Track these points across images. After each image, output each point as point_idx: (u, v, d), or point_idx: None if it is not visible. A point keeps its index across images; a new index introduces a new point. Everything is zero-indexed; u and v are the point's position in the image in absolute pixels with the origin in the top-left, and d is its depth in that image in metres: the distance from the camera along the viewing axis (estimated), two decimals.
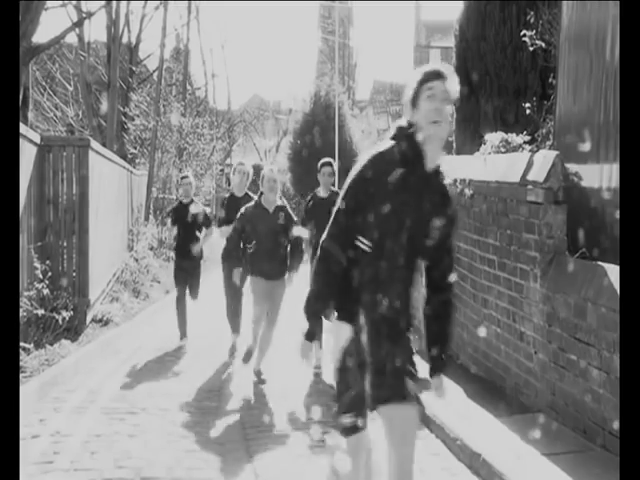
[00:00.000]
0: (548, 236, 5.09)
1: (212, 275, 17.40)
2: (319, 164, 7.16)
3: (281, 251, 6.39)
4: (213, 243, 9.06)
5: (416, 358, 2.84)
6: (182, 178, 8.83)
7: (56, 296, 7.62)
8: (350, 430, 2.93)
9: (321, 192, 7.08)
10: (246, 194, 7.43)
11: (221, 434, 5.01)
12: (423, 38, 47.71)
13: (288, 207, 6.60)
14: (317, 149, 25.16)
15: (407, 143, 2.71)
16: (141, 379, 6.50)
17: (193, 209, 8.24)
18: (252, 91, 78.43)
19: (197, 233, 8.23)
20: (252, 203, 6.48)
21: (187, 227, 8.20)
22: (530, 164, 5.34)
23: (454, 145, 11.24)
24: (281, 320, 6.49)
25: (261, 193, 6.38)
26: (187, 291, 8.22)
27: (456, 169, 7.11)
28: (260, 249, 6.29)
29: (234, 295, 7.36)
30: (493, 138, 6.92)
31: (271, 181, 6.30)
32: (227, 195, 7.74)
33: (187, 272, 8.20)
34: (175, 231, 8.40)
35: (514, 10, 9.85)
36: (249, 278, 6.55)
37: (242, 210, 6.43)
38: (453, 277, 2.88)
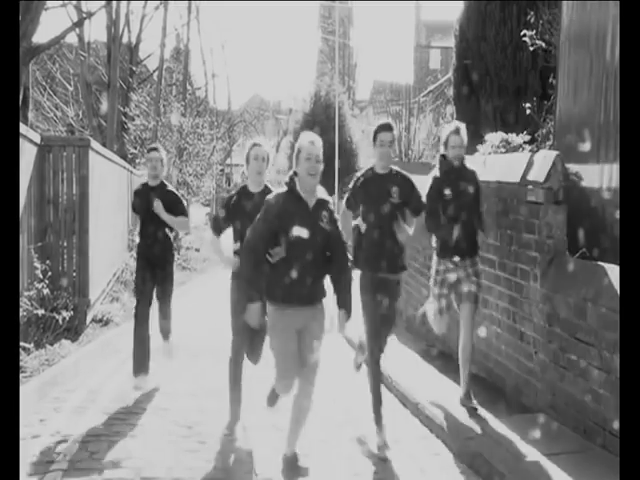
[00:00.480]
0: (548, 236, 5.09)
1: (214, 274, 17.42)
2: (374, 130, 5.03)
3: (322, 267, 4.17)
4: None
5: None
6: (149, 151, 6.34)
7: (56, 296, 7.62)
8: None
9: (378, 167, 5.04)
10: (266, 188, 5.05)
11: (222, 434, 5.01)
12: (423, 38, 47.70)
13: (330, 201, 4.27)
14: None
15: None
16: None
17: (161, 196, 6.12)
18: (252, 91, 78.68)
19: (167, 230, 6.24)
20: (281, 190, 4.20)
21: (154, 218, 6.10)
22: (530, 164, 5.33)
23: None
24: None
25: (292, 176, 4.16)
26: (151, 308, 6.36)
27: None
28: (291, 262, 4.04)
29: (244, 340, 5.06)
30: (493, 138, 6.93)
31: (313, 159, 4.07)
32: (234, 191, 5.29)
33: (153, 281, 6.22)
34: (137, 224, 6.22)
35: (514, 10, 9.87)
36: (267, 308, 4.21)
37: (269, 199, 4.19)
38: None
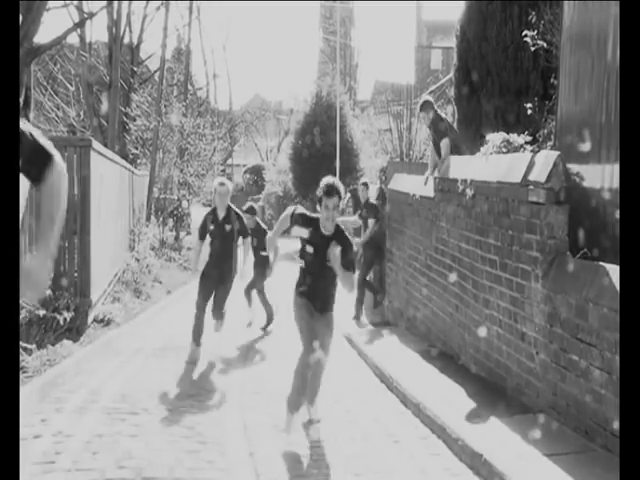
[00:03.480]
0: (549, 236, 5.09)
1: None
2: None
3: None
4: None
5: None
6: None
7: (58, 296, 7.63)
8: None
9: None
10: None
11: (223, 434, 5.02)
12: (424, 38, 47.69)
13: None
14: (318, 149, 25.18)
15: None
16: (142, 379, 6.50)
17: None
18: (253, 91, 78.78)
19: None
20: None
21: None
22: (531, 164, 5.33)
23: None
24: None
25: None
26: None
27: (457, 169, 7.12)
28: None
29: None
30: (494, 138, 6.91)
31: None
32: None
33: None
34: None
35: (515, 10, 9.84)
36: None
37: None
38: None
